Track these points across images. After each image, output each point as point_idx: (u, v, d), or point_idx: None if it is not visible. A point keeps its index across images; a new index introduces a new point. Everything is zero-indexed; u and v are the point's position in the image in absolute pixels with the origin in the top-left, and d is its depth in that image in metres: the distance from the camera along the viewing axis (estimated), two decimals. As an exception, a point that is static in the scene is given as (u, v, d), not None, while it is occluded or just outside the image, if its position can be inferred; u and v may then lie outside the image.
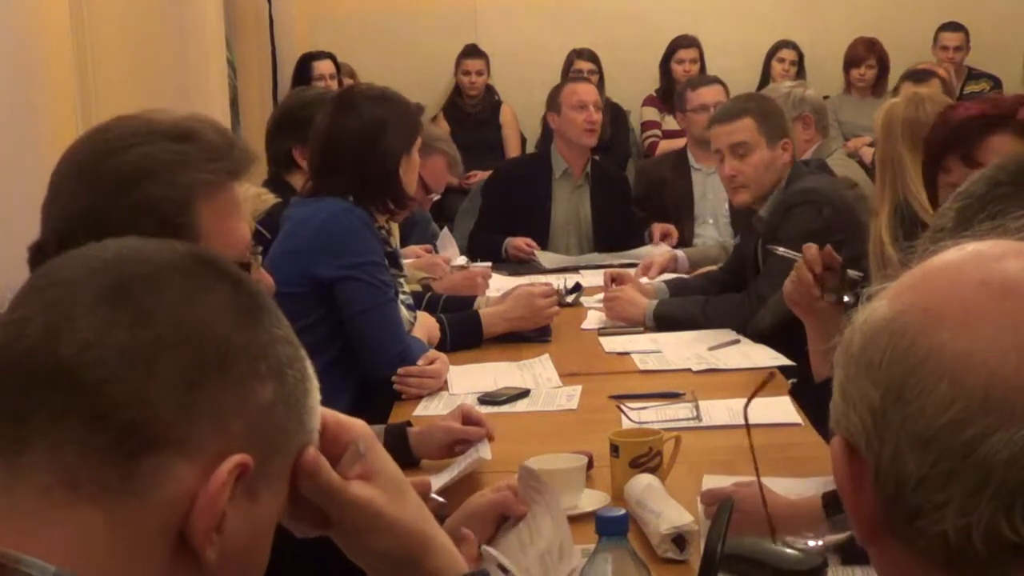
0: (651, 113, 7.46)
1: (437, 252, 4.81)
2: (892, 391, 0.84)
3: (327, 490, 1.08)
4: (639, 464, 2.21)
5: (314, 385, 1.04)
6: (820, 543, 1.81)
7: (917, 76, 5.08)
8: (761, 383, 1.89)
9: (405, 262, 3.82)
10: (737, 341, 3.47)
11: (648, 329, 3.70)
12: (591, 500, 2.15)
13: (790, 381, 2.88)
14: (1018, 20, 7.86)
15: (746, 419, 1.76)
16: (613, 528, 1.56)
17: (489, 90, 7.69)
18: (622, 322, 3.77)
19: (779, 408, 2.65)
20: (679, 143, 5.92)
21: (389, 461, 1.16)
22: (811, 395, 2.35)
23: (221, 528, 0.92)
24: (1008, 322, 0.82)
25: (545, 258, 4.96)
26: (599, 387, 3.05)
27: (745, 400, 1.89)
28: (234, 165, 1.63)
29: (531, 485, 1.82)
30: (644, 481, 2.13)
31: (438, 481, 2.24)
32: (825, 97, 6.15)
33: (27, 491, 0.89)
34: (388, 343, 3.12)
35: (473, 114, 7.57)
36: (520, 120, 7.65)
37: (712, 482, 2.20)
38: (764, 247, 3.63)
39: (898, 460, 0.83)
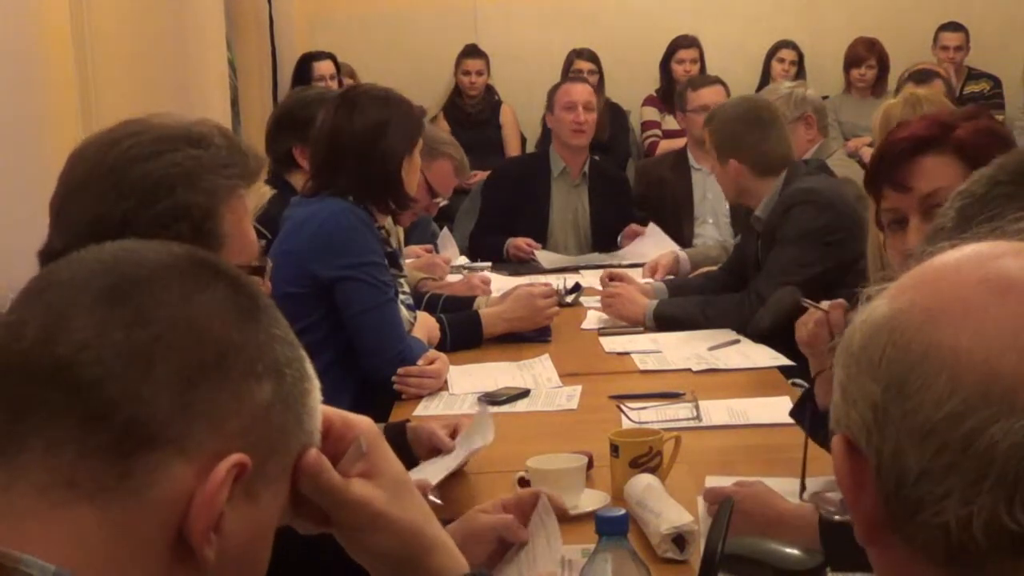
0: (651, 113, 7.46)
1: (437, 252, 4.82)
2: (893, 387, 0.84)
3: (327, 490, 1.08)
4: (639, 464, 2.21)
5: (314, 385, 1.04)
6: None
7: (919, 77, 5.07)
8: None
9: (405, 262, 3.82)
10: (737, 341, 3.47)
11: (648, 329, 3.70)
12: (591, 500, 2.15)
13: (795, 386, 2.87)
14: (1018, 20, 7.86)
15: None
16: (613, 528, 1.56)
17: (489, 90, 7.69)
18: (622, 321, 3.77)
19: (779, 408, 2.65)
20: (679, 143, 5.92)
21: (393, 460, 1.16)
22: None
23: (219, 528, 0.92)
24: (1008, 319, 0.83)
25: (545, 258, 4.95)
26: (599, 387, 3.05)
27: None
28: (247, 171, 1.66)
29: (540, 514, 1.82)
30: (644, 481, 2.12)
31: (436, 475, 2.23)
32: (825, 97, 6.14)
33: (25, 490, 0.89)
34: (388, 343, 3.12)
35: (473, 114, 7.56)
36: (520, 120, 7.64)
37: (715, 483, 2.19)
38: (763, 249, 3.64)
39: (899, 455, 0.84)
